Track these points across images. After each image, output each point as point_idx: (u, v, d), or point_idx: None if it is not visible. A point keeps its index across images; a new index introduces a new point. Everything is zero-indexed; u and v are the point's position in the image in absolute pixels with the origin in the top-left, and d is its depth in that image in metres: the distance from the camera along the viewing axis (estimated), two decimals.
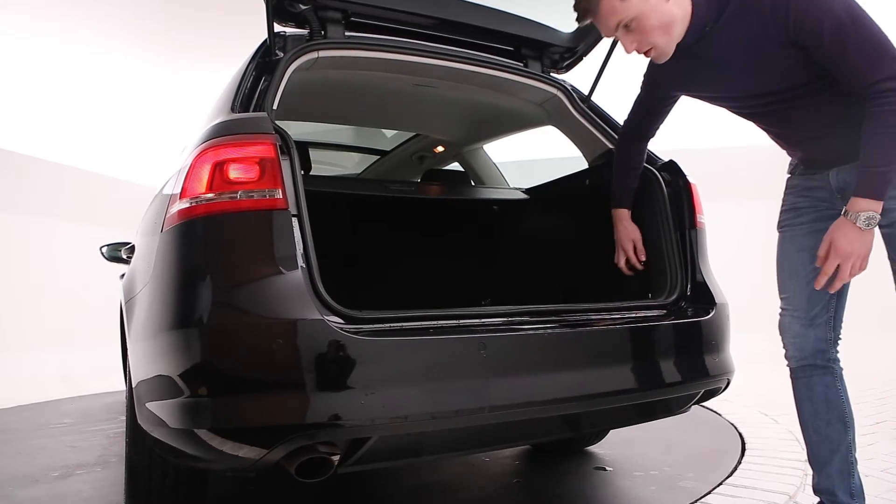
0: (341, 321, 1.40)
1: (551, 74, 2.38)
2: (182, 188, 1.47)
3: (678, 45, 1.61)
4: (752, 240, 4.58)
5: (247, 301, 1.39)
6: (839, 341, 1.73)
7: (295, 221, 1.45)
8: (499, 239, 2.93)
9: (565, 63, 2.41)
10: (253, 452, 1.36)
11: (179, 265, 1.46)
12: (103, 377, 5.04)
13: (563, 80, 2.38)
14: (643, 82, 1.90)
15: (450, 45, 2.18)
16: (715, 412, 3.46)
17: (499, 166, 3.49)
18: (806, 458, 1.81)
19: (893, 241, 1.57)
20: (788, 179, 1.79)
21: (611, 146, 2.24)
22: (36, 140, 6.97)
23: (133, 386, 1.67)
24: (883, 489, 2.14)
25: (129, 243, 3.14)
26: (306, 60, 1.89)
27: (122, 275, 2.47)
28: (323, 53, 1.93)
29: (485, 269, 2.91)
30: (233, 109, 1.65)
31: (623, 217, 2.06)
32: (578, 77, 2.42)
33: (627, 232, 2.05)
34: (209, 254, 1.44)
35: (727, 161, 6.79)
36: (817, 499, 1.75)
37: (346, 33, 2.01)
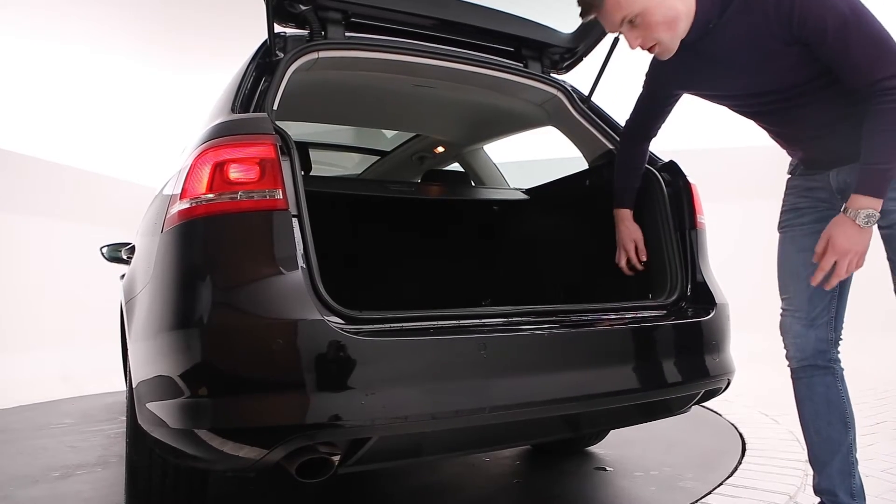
0: (341, 321, 1.40)
1: (551, 75, 2.38)
2: (182, 189, 1.47)
3: (681, 42, 1.60)
4: (752, 240, 4.57)
5: (247, 301, 1.39)
6: (840, 342, 1.73)
7: (295, 222, 1.45)
8: (499, 239, 2.93)
9: (565, 63, 2.41)
10: (253, 453, 1.36)
11: (180, 265, 1.46)
12: (103, 377, 5.04)
13: (564, 81, 2.38)
14: (645, 81, 1.90)
15: (450, 46, 2.18)
16: (715, 412, 3.46)
17: (499, 167, 3.49)
18: (806, 458, 1.81)
19: (893, 243, 1.57)
20: (789, 180, 1.79)
21: (611, 147, 2.24)
22: (36, 140, 6.96)
23: (133, 386, 1.67)
24: (883, 489, 2.14)
25: (130, 244, 3.14)
26: (306, 61, 1.89)
27: (123, 275, 2.47)
28: (323, 54, 1.93)
29: (485, 269, 2.91)
30: (233, 110, 1.65)
31: (625, 217, 2.06)
32: (578, 77, 2.42)
33: (629, 232, 2.05)
34: (209, 254, 1.44)
35: (727, 161, 6.78)
36: (818, 499, 1.75)
37: (347, 34, 2.01)
